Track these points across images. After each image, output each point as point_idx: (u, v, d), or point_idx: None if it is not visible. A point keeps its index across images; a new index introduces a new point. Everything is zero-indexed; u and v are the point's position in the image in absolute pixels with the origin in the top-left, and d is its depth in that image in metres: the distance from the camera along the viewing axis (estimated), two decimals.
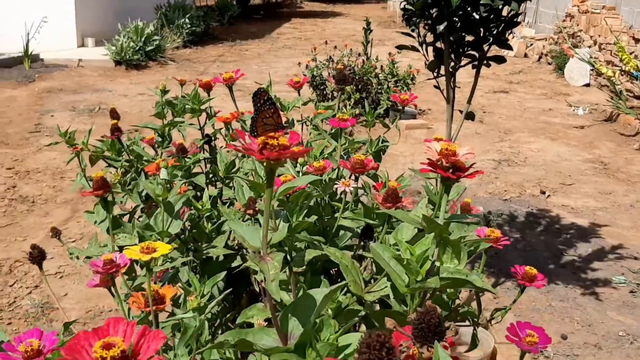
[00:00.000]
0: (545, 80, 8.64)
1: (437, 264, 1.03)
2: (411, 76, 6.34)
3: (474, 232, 1.25)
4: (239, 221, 0.77)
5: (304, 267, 1.25)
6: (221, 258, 1.58)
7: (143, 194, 1.61)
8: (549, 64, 9.44)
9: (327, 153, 1.50)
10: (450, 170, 0.99)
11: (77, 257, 1.63)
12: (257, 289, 1.44)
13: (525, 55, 10.23)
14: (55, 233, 1.91)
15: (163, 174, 1.21)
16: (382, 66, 6.33)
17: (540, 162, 5.23)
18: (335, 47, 7.38)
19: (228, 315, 1.61)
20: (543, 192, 4.49)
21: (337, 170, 1.46)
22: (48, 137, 5.38)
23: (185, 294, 1.18)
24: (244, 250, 1.81)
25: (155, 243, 0.97)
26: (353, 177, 1.41)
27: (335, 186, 1.30)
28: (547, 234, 3.89)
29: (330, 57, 6.27)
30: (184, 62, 9.46)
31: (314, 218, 1.18)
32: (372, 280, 1.24)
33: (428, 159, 1.03)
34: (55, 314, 2.91)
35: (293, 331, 0.77)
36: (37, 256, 1.31)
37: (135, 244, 1.39)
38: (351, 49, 6.61)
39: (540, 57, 9.86)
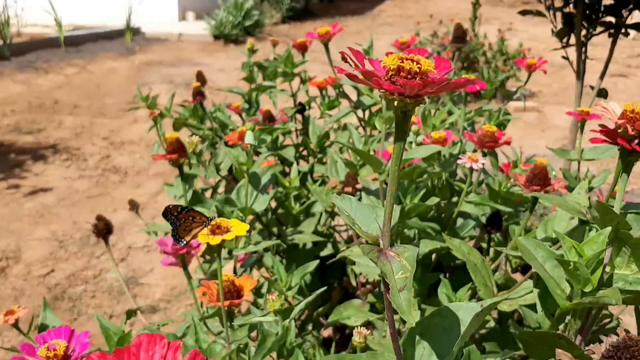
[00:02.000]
0: None
1: (607, 269, 0.75)
2: (522, 55, 5.89)
3: None
4: (345, 195, 0.52)
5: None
6: (309, 246, 1.35)
7: (221, 167, 1.40)
8: None
9: (447, 123, 1.24)
10: (637, 141, 0.71)
11: (156, 234, 1.45)
12: (354, 283, 1.21)
13: None
14: (133, 206, 1.75)
15: (249, 137, 1.00)
16: (489, 44, 5.92)
17: None
18: (441, 22, 7.00)
19: (320, 310, 1.38)
20: None
21: (459, 144, 1.19)
22: (144, 109, 5.36)
23: (270, 286, 0.95)
24: (336, 237, 1.57)
25: (230, 221, 0.74)
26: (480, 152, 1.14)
27: (460, 160, 1.03)
28: None
29: (434, 32, 5.91)
30: (281, 37, 9.31)
31: (434, 201, 0.92)
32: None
33: (601, 125, 0.75)
34: (139, 289, 2.80)
35: None
36: (103, 229, 1.13)
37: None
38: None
39: None
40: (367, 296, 1.18)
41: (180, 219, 0.80)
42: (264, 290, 1.29)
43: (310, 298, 0.74)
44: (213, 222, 0.75)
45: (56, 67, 6.95)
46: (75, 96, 5.82)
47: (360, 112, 1.55)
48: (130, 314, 1.01)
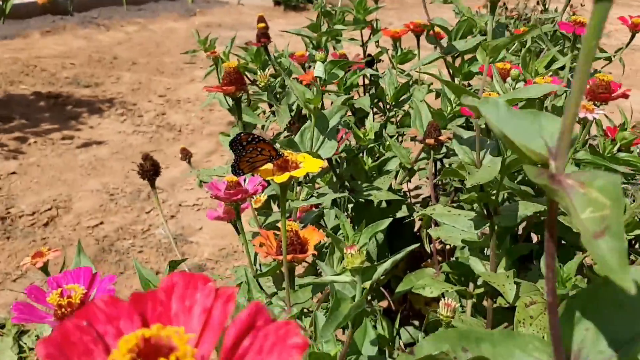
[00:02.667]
0: None
1: None
2: None
3: None
4: (489, 98, 0.37)
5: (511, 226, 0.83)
6: (383, 204, 1.20)
7: (294, 107, 1.25)
8: None
9: (552, 70, 1.06)
10: None
11: (203, 183, 1.33)
12: (429, 249, 1.05)
13: None
14: (185, 155, 1.64)
15: (318, 69, 0.85)
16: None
17: None
18: None
19: (381, 278, 1.23)
20: None
21: (563, 95, 1.01)
22: (202, 69, 5.28)
23: (335, 244, 0.81)
24: (411, 198, 1.41)
25: (299, 155, 0.60)
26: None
27: None
28: None
29: (504, 4, 5.61)
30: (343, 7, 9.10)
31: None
32: None
33: None
34: (187, 247, 2.72)
35: (585, 352, 0.37)
36: (149, 170, 1.00)
37: None
38: None
39: None
40: (442, 265, 1.03)
41: (247, 150, 0.65)
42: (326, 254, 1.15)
43: (398, 256, 0.59)
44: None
45: (117, 24, 6.93)
46: (134, 53, 5.78)
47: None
48: (174, 265, 0.88)
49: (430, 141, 1.00)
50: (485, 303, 0.90)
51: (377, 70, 1.67)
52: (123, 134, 3.89)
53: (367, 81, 1.71)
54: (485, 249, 0.97)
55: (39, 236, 2.71)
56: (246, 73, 1.67)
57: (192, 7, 8.03)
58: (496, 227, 0.81)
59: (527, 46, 1.24)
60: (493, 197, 0.78)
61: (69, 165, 3.42)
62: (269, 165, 0.61)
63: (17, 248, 2.60)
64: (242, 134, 0.67)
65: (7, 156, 3.43)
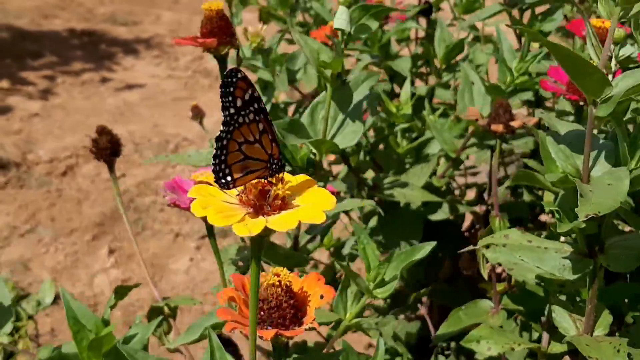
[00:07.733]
0: None
1: None
2: None
3: None
4: None
5: None
6: (418, 203, 0.90)
7: (299, 76, 0.96)
8: None
9: None
10: None
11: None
12: (485, 275, 0.76)
13: None
14: (197, 114, 1.38)
15: (339, 17, 0.56)
16: None
17: None
18: None
19: (422, 291, 0.95)
20: None
21: None
22: (248, 12, 4.97)
23: (350, 278, 0.53)
24: (452, 195, 1.11)
25: (297, 178, 0.31)
26: None
27: None
28: None
29: None
30: None
31: None
32: None
33: None
34: None
35: None
36: (105, 148, 0.73)
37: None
38: None
39: None
40: (502, 296, 0.75)
41: (240, 118, 0.38)
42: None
43: None
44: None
45: None
46: None
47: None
48: (122, 291, 0.61)
49: (498, 128, 0.70)
50: None
51: (435, 21, 1.35)
52: (157, 78, 3.65)
53: (422, 33, 1.41)
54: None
55: (54, 187, 2.51)
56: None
57: None
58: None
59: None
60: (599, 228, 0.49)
61: (96, 109, 3.21)
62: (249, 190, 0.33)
63: (30, 199, 2.41)
64: (240, 77, 0.37)
65: (32, 95, 3.24)
